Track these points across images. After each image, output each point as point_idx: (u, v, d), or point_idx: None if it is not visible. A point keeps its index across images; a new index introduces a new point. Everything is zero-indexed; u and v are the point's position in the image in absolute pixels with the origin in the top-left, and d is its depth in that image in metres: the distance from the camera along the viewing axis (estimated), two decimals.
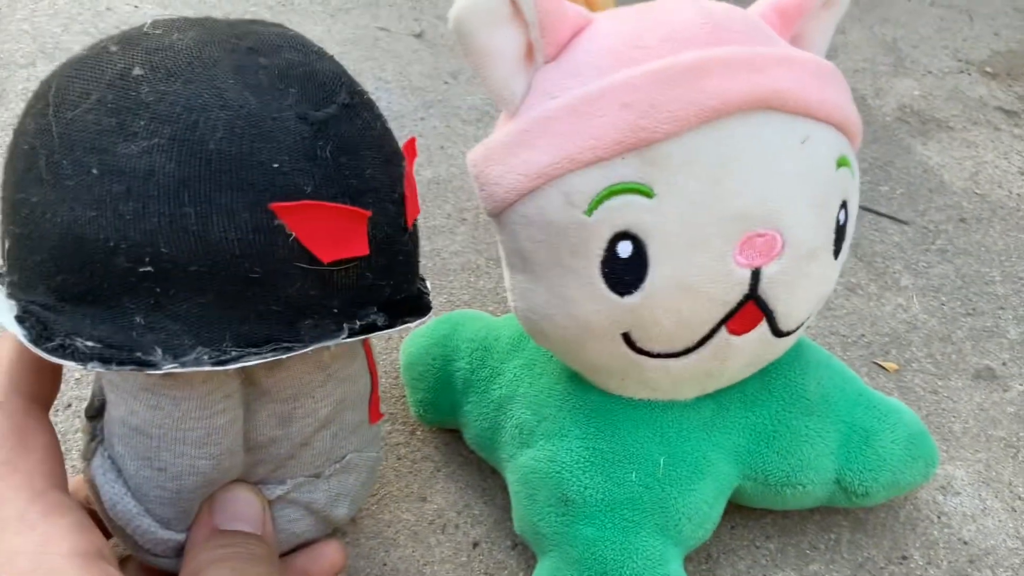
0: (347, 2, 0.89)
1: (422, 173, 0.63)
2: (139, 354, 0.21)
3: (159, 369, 0.21)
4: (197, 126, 0.21)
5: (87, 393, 0.41)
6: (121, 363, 0.21)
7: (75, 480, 0.28)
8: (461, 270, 0.55)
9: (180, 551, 0.26)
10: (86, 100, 0.22)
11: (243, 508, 0.26)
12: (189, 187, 0.21)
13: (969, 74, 0.89)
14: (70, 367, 0.21)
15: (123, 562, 0.27)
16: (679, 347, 0.31)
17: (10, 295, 0.23)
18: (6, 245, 0.23)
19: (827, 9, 0.34)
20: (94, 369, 0.21)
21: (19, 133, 0.23)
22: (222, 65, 0.22)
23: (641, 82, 0.28)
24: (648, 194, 0.28)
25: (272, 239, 0.22)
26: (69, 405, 0.42)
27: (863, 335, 0.53)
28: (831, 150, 0.31)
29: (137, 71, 0.22)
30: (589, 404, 0.35)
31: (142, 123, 0.21)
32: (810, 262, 0.31)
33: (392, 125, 0.26)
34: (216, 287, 0.21)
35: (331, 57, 0.25)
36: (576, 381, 0.36)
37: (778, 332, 0.32)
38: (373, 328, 0.25)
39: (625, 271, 0.29)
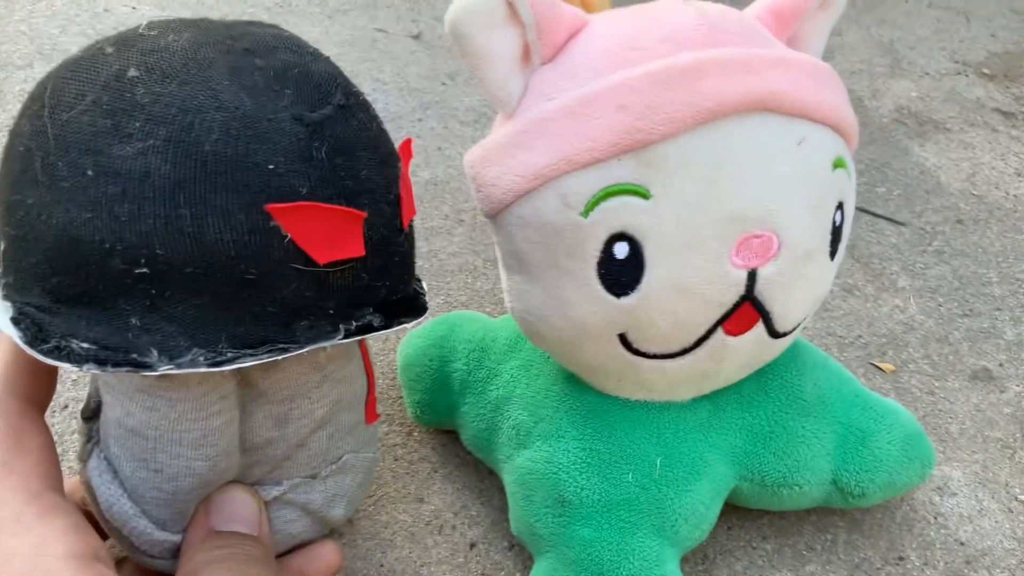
0: (345, 3, 0.89)
1: (420, 174, 0.64)
2: (135, 355, 0.21)
3: (155, 371, 0.21)
4: (192, 127, 0.21)
5: (84, 394, 0.41)
6: (117, 365, 0.21)
7: (71, 481, 0.27)
8: (458, 271, 0.55)
9: (176, 552, 0.26)
10: (81, 101, 0.22)
11: (239, 509, 0.26)
12: (185, 189, 0.21)
13: (966, 75, 0.89)
14: (66, 369, 0.21)
15: (119, 564, 0.27)
16: (675, 348, 0.31)
17: (5, 297, 0.23)
18: (1, 247, 0.23)
19: (823, 11, 0.34)
20: (89, 371, 0.21)
21: (15, 135, 0.23)
22: (217, 66, 0.22)
23: (637, 84, 0.28)
24: (644, 195, 0.28)
25: (268, 240, 0.22)
26: (66, 406, 0.42)
27: (860, 336, 0.53)
28: (827, 151, 0.31)
29: (132, 72, 0.22)
30: (586, 405, 0.35)
31: (137, 124, 0.21)
32: (806, 263, 0.31)
33: (390, 126, 0.26)
34: (212, 288, 0.21)
35: (327, 58, 0.25)
36: (573, 382, 0.36)
37: (774, 333, 0.32)
38: (369, 329, 0.25)
39: (621, 272, 0.29)
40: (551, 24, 0.30)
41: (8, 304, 0.22)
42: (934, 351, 0.52)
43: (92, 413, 0.26)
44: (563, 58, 0.31)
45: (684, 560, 0.37)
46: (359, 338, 0.25)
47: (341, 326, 0.24)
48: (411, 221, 0.27)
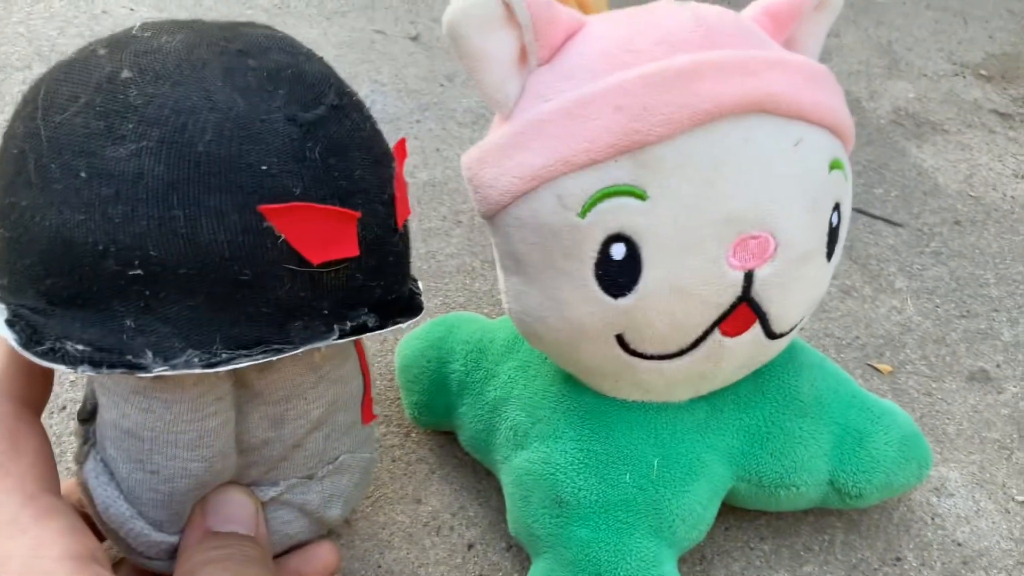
0: (343, 5, 0.89)
1: (418, 176, 0.64)
2: (129, 357, 0.21)
3: (149, 372, 0.21)
4: (186, 128, 0.21)
5: (82, 396, 0.41)
6: (111, 366, 0.21)
7: (68, 483, 0.27)
8: (456, 272, 0.55)
9: (173, 553, 0.26)
10: (74, 103, 0.22)
11: (236, 510, 0.26)
12: (178, 190, 0.21)
13: (964, 77, 0.89)
14: (60, 370, 0.21)
15: (116, 565, 0.27)
16: (672, 349, 0.31)
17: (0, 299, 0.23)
18: None
19: (820, 12, 0.34)
20: (84, 372, 0.21)
21: (8, 137, 0.23)
22: (211, 67, 0.22)
23: (634, 85, 0.28)
24: (641, 196, 0.28)
25: (261, 241, 0.22)
26: (64, 408, 0.42)
27: (857, 337, 0.53)
28: (824, 153, 0.31)
29: (125, 74, 0.22)
30: (583, 406, 0.35)
31: (130, 126, 0.21)
32: (803, 264, 0.31)
33: (388, 128, 0.26)
34: (206, 289, 0.21)
35: (320, 59, 0.25)
36: (570, 383, 0.36)
37: (771, 334, 0.32)
38: (364, 329, 0.25)
39: (618, 273, 0.29)
40: (547, 26, 0.30)
41: (2, 306, 0.22)
42: (931, 352, 0.52)
43: (88, 415, 0.26)
44: (560, 60, 0.31)
45: (682, 561, 0.37)
46: (354, 338, 0.25)
47: (336, 326, 0.24)
48: (406, 221, 0.27)
